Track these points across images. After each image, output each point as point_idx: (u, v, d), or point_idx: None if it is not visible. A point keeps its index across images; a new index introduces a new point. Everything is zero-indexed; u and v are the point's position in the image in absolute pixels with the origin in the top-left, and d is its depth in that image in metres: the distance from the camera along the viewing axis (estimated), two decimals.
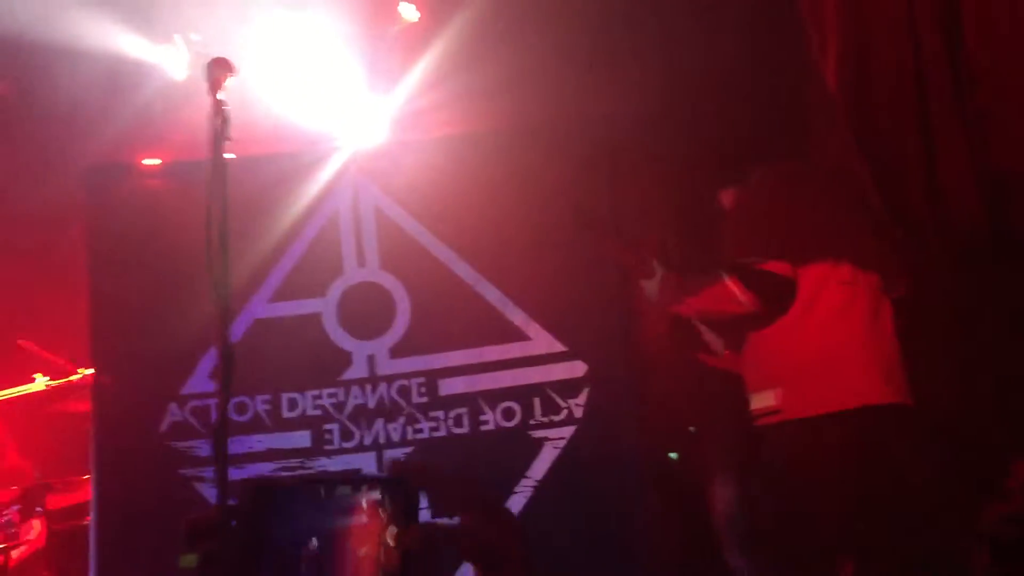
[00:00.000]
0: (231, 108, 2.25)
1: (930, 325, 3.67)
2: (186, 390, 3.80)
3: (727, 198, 3.33)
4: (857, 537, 2.98)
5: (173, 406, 3.78)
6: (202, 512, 1.02)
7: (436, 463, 0.97)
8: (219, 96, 2.11)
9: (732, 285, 2.98)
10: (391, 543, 0.92)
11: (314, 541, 0.91)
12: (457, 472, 0.96)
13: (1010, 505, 3.45)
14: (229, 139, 2.16)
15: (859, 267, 3.08)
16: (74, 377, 4.34)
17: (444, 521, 0.97)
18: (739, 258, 3.00)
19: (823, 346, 3.02)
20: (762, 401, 3.11)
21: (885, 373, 3.07)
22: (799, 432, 2.99)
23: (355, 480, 0.94)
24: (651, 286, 3.21)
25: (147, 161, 4.65)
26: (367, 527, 0.93)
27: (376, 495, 0.93)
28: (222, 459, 1.96)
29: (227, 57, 2.23)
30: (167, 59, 4.65)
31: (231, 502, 1.02)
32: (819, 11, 2.42)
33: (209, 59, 2.20)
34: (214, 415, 3.75)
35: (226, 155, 2.34)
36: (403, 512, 0.93)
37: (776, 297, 2.98)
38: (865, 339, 3.05)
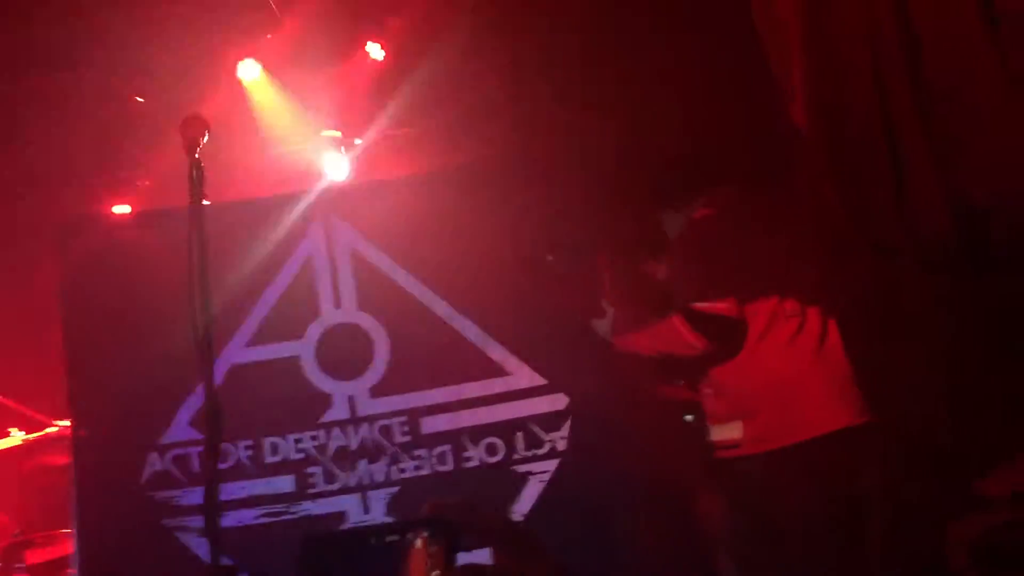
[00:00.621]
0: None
1: (899, 342, 3.73)
2: (166, 439, 3.77)
3: (672, 226, 3.36)
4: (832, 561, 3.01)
5: (153, 456, 3.74)
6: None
7: (473, 501, 1.01)
8: (195, 154, 2.11)
9: (680, 327, 3.04)
10: None
11: None
12: (493, 509, 1.00)
13: (996, 515, 3.50)
14: (205, 198, 2.16)
15: (803, 295, 3.14)
16: (51, 430, 4.29)
17: (484, 562, 1.00)
18: (688, 296, 3.06)
19: (776, 379, 3.08)
20: (723, 433, 3.17)
21: (838, 398, 3.12)
22: (762, 465, 3.03)
23: (402, 526, 0.97)
24: (603, 326, 3.28)
25: (117, 209, 4.66)
26: (417, 568, 0.96)
27: (423, 538, 0.96)
28: (213, 515, 1.95)
29: (200, 115, 2.24)
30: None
31: (226, 560, 1.04)
32: (782, 36, 2.47)
33: (185, 117, 2.21)
34: (195, 464, 3.74)
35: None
36: (448, 550, 0.97)
37: (725, 337, 3.05)
38: (815, 368, 3.10)
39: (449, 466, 3.73)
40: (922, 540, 3.53)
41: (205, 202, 2.35)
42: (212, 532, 1.93)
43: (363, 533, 0.98)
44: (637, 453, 3.68)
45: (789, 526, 2.94)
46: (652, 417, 3.85)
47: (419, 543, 0.97)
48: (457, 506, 1.00)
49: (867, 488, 3.20)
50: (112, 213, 4.32)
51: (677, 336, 3.05)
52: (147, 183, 4.94)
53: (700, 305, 3.03)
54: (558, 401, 3.75)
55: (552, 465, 3.70)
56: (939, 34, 2.25)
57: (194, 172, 2.10)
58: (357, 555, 0.96)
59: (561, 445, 3.71)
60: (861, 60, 2.34)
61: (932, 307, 3.71)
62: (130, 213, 4.32)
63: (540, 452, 3.72)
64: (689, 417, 3.71)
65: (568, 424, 3.72)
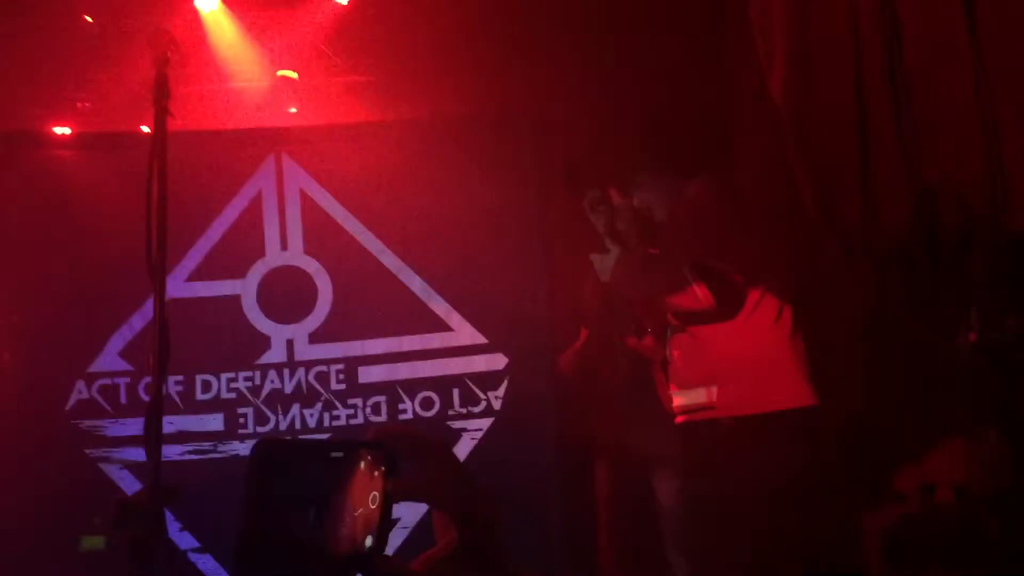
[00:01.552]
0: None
1: (839, 328, 3.83)
2: (94, 368, 3.69)
3: (655, 196, 3.39)
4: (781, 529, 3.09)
5: (80, 383, 3.67)
6: (132, 496, 1.04)
7: (409, 429, 1.06)
8: (163, 69, 2.04)
9: (691, 280, 3.06)
10: (376, 503, 1.00)
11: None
12: (425, 434, 1.04)
13: (909, 506, 3.61)
14: (171, 114, 2.10)
15: (784, 279, 3.22)
16: None
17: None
18: (694, 257, 3.09)
19: (760, 351, 3.15)
20: (696, 397, 3.21)
21: (806, 377, 3.22)
22: (736, 429, 3.09)
23: (347, 445, 0.99)
24: (605, 262, 3.25)
25: (57, 130, 4.50)
26: (359, 488, 0.99)
27: (366, 460, 1.00)
28: (156, 441, 1.91)
29: (168, 30, 2.17)
30: None
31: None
32: (768, 20, 2.49)
33: (152, 31, 2.13)
34: (123, 395, 3.67)
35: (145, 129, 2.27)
36: (387, 475, 0.98)
37: (730, 302, 3.10)
38: (793, 347, 3.20)
39: (383, 417, 3.73)
40: (838, 527, 3.64)
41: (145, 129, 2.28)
42: (153, 454, 1.89)
43: (311, 445, 1.00)
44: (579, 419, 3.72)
45: (749, 491, 3.00)
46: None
47: (362, 464, 0.99)
48: (400, 434, 1.04)
49: (802, 468, 3.29)
50: (51, 132, 4.17)
51: (687, 290, 3.07)
52: (89, 106, 4.77)
53: (711, 263, 3.06)
54: (497, 360, 3.76)
55: (486, 423, 3.72)
56: (921, 23, 2.29)
57: (160, 89, 2.02)
58: (303, 465, 0.98)
59: (497, 404, 3.73)
60: (842, 43, 2.37)
61: (863, 301, 3.81)
62: (70, 134, 4.16)
63: (475, 410, 3.73)
64: None
65: (505, 384, 3.74)
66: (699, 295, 3.09)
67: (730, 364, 3.17)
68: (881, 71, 2.33)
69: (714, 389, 3.15)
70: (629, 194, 3.46)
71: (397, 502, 1.00)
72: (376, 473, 0.99)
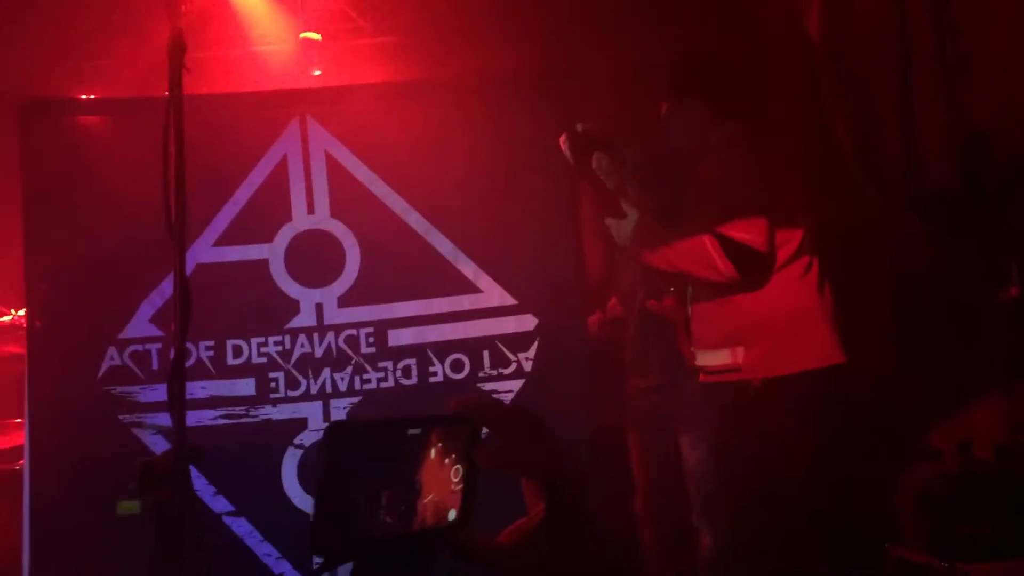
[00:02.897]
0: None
1: (873, 279, 3.75)
2: (125, 334, 3.69)
3: (675, 121, 3.28)
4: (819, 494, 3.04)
5: (112, 350, 3.67)
6: (156, 457, 1.03)
7: (493, 400, 1.03)
8: (178, 23, 2.00)
9: (713, 252, 2.97)
10: (459, 476, 0.98)
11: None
12: (510, 407, 1.02)
13: (945, 464, 3.56)
14: (188, 70, 2.06)
15: (813, 233, 3.13)
16: (5, 318, 4.19)
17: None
18: (716, 222, 2.99)
19: (787, 310, 3.07)
20: (720, 358, 3.13)
21: (837, 335, 3.15)
22: (768, 390, 3.03)
23: (426, 421, 0.98)
24: (623, 227, 3.18)
25: (83, 96, 4.49)
26: (439, 463, 0.97)
27: (446, 433, 0.98)
28: (179, 404, 1.90)
29: None
30: None
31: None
32: None
33: None
34: (154, 361, 3.68)
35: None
36: (471, 445, 0.99)
37: (753, 271, 3.01)
38: (821, 303, 3.11)
39: (413, 380, 3.71)
40: (870, 486, 3.60)
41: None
42: (177, 416, 1.88)
43: (387, 424, 0.97)
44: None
45: (778, 454, 2.95)
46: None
47: (440, 439, 0.98)
48: (483, 405, 1.02)
49: (832, 428, 3.23)
50: (78, 98, 4.15)
51: (708, 259, 2.97)
52: (114, 71, 4.76)
53: (734, 233, 2.96)
54: (527, 322, 3.73)
55: (517, 385, 3.70)
56: None
57: (175, 43, 1.98)
58: (378, 444, 0.95)
59: (527, 366, 3.70)
60: None
61: (896, 254, 3.73)
62: (95, 100, 4.14)
63: (506, 372, 3.70)
64: None
65: (536, 345, 3.71)
66: (721, 268, 3.00)
67: (755, 324, 3.09)
68: (925, 8, 2.24)
69: (740, 350, 3.07)
70: (645, 149, 3.37)
71: (484, 473, 0.97)
72: (457, 446, 0.96)
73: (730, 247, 2.96)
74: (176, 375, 1.91)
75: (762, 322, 3.06)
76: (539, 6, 4.30)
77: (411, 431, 0.97)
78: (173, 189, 2.03)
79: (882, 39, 2.29)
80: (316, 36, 4.79)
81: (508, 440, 1.00)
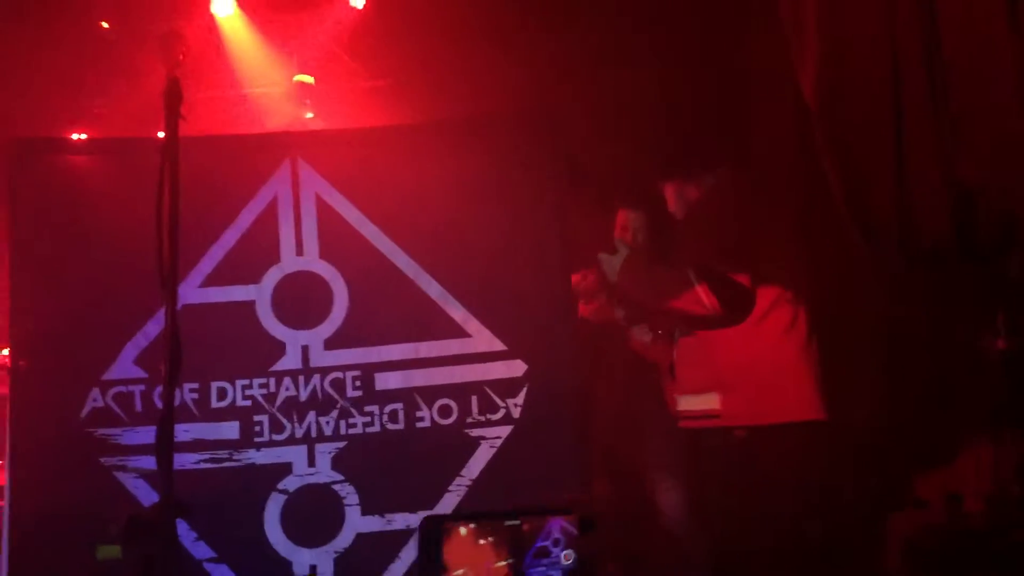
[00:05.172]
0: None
1: (861, 331, 3.76)
2: (109, 375, 3.66)
3: (673, 194, 3.35)
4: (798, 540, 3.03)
5: (95, 391, 3.64)
6: (143, 511, 1.01)
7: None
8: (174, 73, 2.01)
9: (699, 287, 3.00)
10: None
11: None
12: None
13: (932, 516, 3.54)
14: (183, 118, 2.06)
15: (800, 284, 3.16)
16: None
17: None
18: (702, 259, 3.03)
19: (770, 360, 3.08)
20: (703, 403, 3.14)
21: (815, 391, 3.16)
22: (748, 439, 3.03)
23: (526, 511, 1.03)
24: (612, 262, 3.21)
25: (74, 136, 4.49)
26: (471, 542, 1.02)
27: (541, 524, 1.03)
28: (167, 457, 1.87)
29: (179, 32, 2.13)
30: None
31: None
32: (800, 16, 2.43)
33: (163, 33, 2.10)
34: (138, 403, 3.64)
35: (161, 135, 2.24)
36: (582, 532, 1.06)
37: (738, 307, 3.03)
38: (806, 357, 3.13)
39: (400, 425, 3.68)
40: (858, 537, 3.57)
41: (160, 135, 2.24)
42: (164, 469, 1.85)
43: (479, 516, 1.03)
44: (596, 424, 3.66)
45: (761, 504, 2.94)
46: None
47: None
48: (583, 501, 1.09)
49: (814, 483, 3.23)
50: (67, 137, 4.15)
51: (693, 294, 3.00)
52: (107, 112, 4.77)
53: (719, 267, 2.99)
54: (516, 367, 3.70)
55: (505, 431, 3.66)
56: (960, 18, 2.23)
57: (172, 92, 1.99)
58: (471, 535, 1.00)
59: (516, 412, 3.67)
60: (878, 38, 2.31)
61: (884, 306, 3.75)
62: (86, 139, 4.15)
63: (494, 417, 3.67)
64: None
65: (524, 391, 3.68)
66: (704, 300, 3.02)
67: (737, 371, 3.10)
68: (919, 68, 2.26)
69: (719, 396, 3.08)
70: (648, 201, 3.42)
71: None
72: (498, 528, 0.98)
73: (714, 281, 2.99)
74: (164, 427, 1.88)
75: (744, 369, 3.08)
76: (532, 50, 4.34)
77: (509, 523, 1.02)
78: (166, 237, 2.01)
79: (874, 93, 2.32)
80: (309, 79, 4.81)
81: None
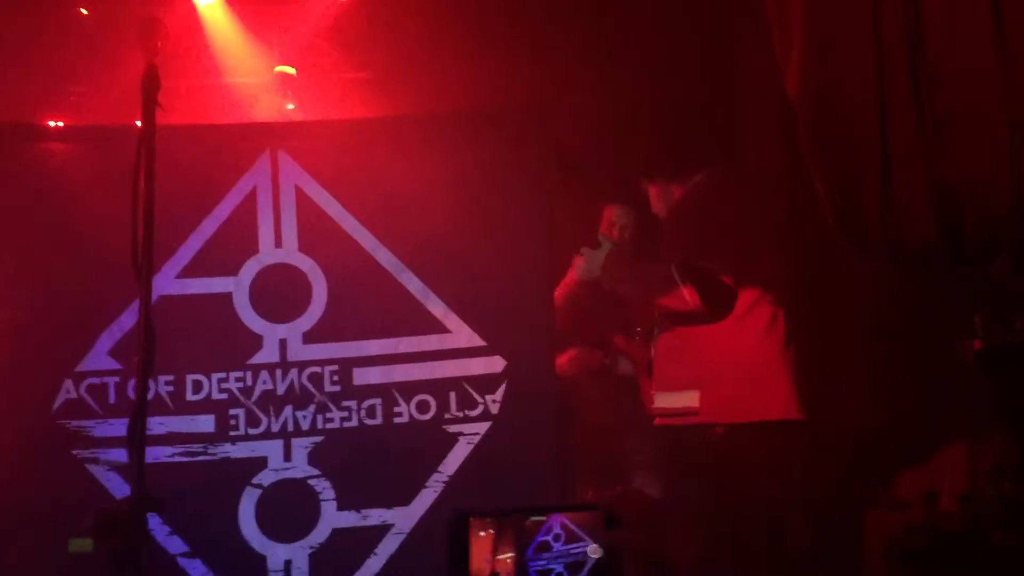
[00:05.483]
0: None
1: (844, 332, 3.77)
2: (82, 367, 3.61)
3: (657, 195, 3.36)
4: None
5: (68, 383, 3.59)
6: (114, 503, 0.99)
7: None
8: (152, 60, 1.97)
9: (679, 280, 3.01)
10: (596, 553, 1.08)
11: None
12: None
13: (911, 515, 3.55)
14: (160, 105, 2.02)
15: (781, 285, 3.17)
16: None
17: None
18: (684, 255, 3.03)
19: (749, 358, 3.10)
20: (680, 401, 3.15)
21: (793, 390, 3.17)
22: (726, 437, 3.04)
23: (547, 508, 1.05)
24: (595, 257, 3.22)
25: (51, 123, 4.43)
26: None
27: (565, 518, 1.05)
28: (139, 450, 1.84)
29: (159, 19, 2.10)
30: None
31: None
32: (785, 16, 2.43)
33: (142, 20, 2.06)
34: (111, 395, 3.59)
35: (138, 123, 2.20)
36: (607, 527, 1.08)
37: (720, 304, 3.04)
38: (784, 358, 3.15)
39: (378, 420, 3.65)
40: (838, 536, 3.58)
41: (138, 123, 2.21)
42: (136, 462, 1.82)
43: (507, 512, 1.05)
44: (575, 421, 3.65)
45: (737, 502, 2.95)
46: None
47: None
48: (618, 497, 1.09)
49: (791, 483, 3.25)
50: (44, 124, 4.09)
51: (673, 288, 3.01)
52: (84, 99, 4.70)
53: (701, 263, 3.00)
54: (495, 363, 3.68)
55: (483, 428, 3.64)
56: (945, 19, 2.23)
57: (150, 79, 1.95)
58: (499, 531, 1.01)
59: (494, 408, 3.65)
60: (863, 39, 2.31)
61: (864, 307, 3.76)
62: (63, 126, 4.08)
63: (472, 414, 3.65)
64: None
65: (503, 388, 3.66)
66: (686, 296, 3.04)
67: (715, 369, 3.12)
68: (903, 68, 2.26)
69: (697, 394, 3.09)
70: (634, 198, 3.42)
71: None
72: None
73: (696, 277, 3.00)
74: (137, 419, 1.85)
75: (722, 367, 3.09)
76: (516, 44, 4.32)
77: (534, 518, 1.03)
78: (141, 225, 1.98)
79: (859, 94, 2.32)
80: (291, 70, 4.77)
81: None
